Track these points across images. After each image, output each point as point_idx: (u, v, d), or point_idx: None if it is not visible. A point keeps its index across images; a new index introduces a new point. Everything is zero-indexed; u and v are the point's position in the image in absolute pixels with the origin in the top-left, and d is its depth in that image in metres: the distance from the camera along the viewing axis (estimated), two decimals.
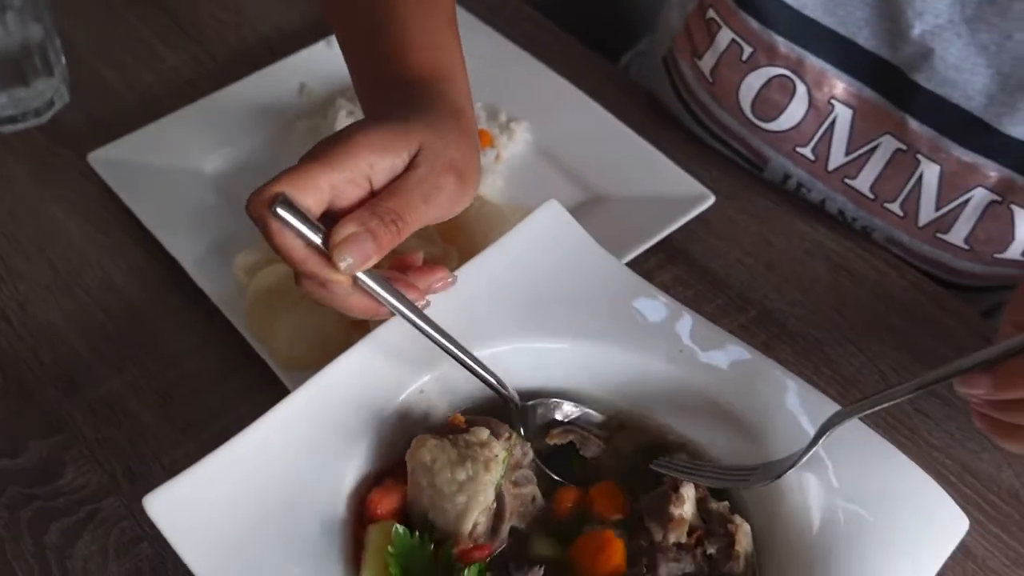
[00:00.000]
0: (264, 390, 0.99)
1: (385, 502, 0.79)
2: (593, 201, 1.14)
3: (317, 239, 0.73)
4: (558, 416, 0.89)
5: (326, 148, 0.75)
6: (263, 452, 0.79)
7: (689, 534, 0.80)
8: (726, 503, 0.83)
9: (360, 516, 0.79)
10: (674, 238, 1.10)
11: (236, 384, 1.00)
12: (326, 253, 0.73)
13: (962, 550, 0.80)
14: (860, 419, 0.81)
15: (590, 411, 0.89)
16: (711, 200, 1.11)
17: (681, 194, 1.12)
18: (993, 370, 0.70)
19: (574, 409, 0.89)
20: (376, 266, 0.76)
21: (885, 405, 0.74)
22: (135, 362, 1.02)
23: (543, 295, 0.90)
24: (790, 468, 0.79)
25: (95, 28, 1.34)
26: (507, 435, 0.81)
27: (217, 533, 0.75)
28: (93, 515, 0.92)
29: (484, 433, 0.79)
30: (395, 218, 0.75)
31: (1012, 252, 1.06)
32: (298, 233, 0.72)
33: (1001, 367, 0.69)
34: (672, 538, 0.79)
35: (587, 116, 1.20)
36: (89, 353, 1.02)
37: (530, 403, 0.86)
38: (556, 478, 0.85)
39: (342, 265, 0.72)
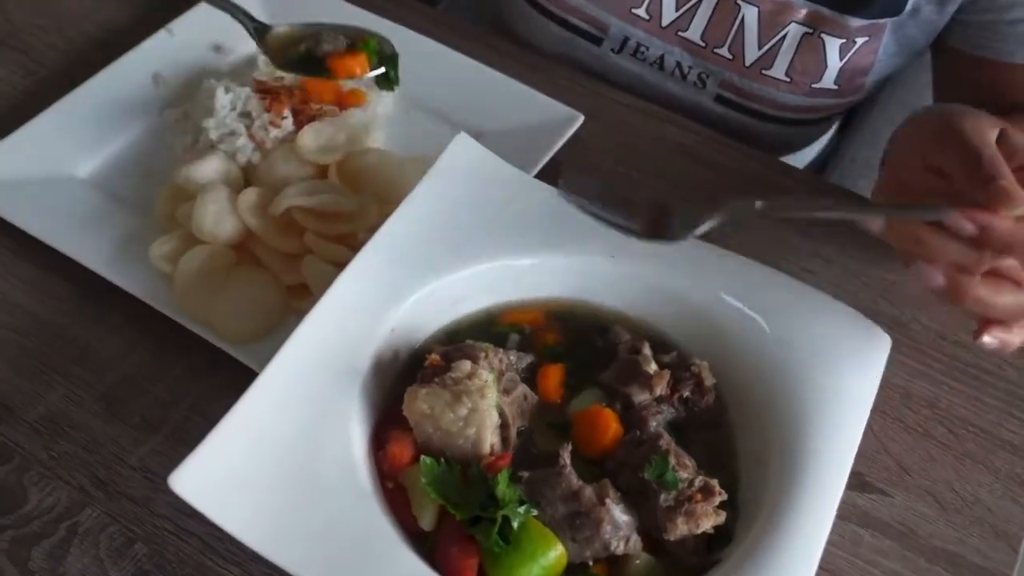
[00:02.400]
0: (212, 371, 0.98)
1: (404, 452, 0.82)
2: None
3: None
4: None
5: None
6: (264, 416, 0.80)
7: None
8: (674, 353, 0.93)
9: (382, 470, 0.82)
10: (553, 161, 1.17)
11: (180, 372, 0.99)
12: None
13: None
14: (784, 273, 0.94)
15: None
16: (580, 119, 1.19)
17: (551, 119, 1.19)
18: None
19: None
20: None
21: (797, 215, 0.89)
22: (65, 375, 0.98)
23: (480, 220, 0.95)
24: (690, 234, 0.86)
25: None
26: (483, 354, 0.86)
27: (248, 497, 0.76)
28: (74, 530, 0.89)
29: (466, 365, 0.83)
30: None
31: (826, 81, 1.24)
32: None
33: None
34: (658, 391, 0.87)
35: (443, 61, 1.24)
36: (12, 375, 0.97)
37: None
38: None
39: None
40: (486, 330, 0.93)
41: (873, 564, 0.93)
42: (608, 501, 0.78)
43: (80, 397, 0.97)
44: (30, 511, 0.89)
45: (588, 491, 0.79)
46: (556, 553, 0.77)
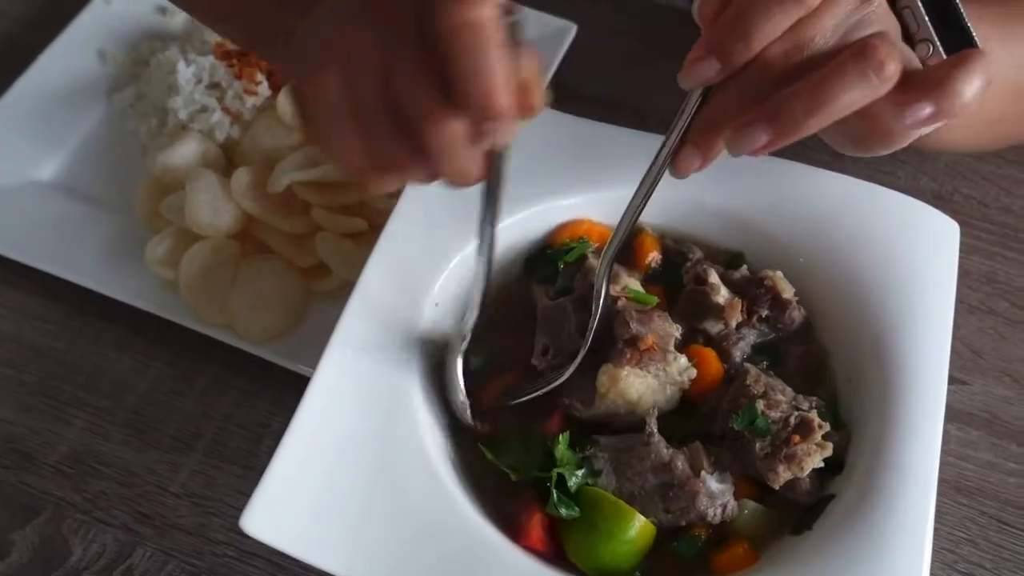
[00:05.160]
0: (238, 375, 0.91)
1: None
2: None
3: None
4: None
5: None
6: (324, 429, 0.72)
7: None
8: (744, 267, 0.86)
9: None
10: (553, 79, 1.08)
11: (203, 382, 0.91)
12: None
13: None
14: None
15: None
16: (574, 30, 1.10)
17: (541, 34, 1.09)
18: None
19: None
20: None
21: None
22: (79, 405, 0.90)
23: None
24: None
25: None
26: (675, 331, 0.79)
27: (330, 523, 0.69)
28: (129, 575, 0.82)
29: (683, 360, 0.76)
30: None
31: None
32: None
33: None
34: (733, 322, 0.81)
35: None
36: (22, 417, 0.89)
37: None
38: None
39: None
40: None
41: (964, 459, 0.89)
42: (703, 473, 0.72)
43: (102, 427, 0.89)
44: (76, 563, 0.82)
45: (680, 462, 0.73)
46: (637, 525, 0.71)
